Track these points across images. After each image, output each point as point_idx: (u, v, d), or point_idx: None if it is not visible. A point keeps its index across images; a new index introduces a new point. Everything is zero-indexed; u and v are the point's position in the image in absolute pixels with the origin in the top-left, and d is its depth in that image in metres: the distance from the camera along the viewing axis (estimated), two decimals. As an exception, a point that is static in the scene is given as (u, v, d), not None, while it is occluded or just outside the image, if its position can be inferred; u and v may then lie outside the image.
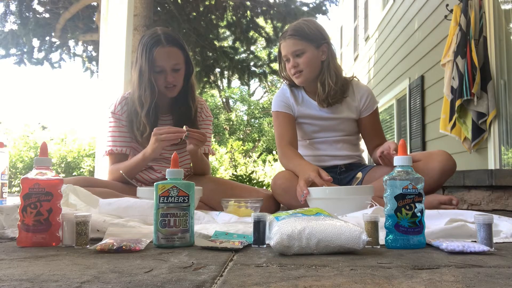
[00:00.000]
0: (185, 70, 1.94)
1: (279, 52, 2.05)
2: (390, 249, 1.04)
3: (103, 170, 3.58)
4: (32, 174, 1.11)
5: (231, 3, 6.87)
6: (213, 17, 7.09)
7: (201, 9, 6.98)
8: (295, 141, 2.01)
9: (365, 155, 2.28)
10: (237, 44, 7.37)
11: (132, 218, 1.35)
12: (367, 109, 2.04)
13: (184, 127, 1.74)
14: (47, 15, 6.99)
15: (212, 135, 2.24)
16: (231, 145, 18.88)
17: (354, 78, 2.10)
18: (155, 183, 1.09)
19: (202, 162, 1.99)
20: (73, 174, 13.08)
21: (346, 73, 2.13)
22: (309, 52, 1.95)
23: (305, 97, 2.07)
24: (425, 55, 5.31)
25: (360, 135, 2.13)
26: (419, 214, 1.05)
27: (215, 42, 7.27)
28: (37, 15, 6.86)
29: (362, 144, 2.16)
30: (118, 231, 1.16)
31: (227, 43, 7.96)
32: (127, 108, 1.94)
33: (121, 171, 1.84)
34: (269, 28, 7.35)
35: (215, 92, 18.80)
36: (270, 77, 8.62)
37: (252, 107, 21.31)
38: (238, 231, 1.19)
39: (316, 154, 2.06)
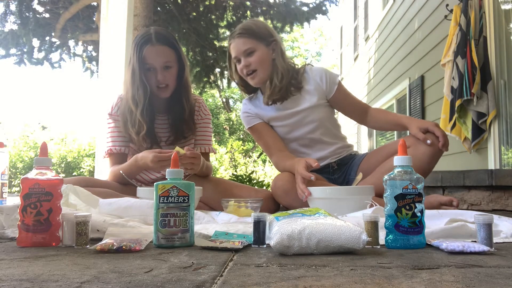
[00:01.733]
0: (178, 70, 1.91)
1: (229, 55, 2.00)
2: (390, 249, 1.04)
3: (103, 170, 3.58)
4: (32, 174, 1.11)
5: (231, 3, 6.87)
6: (213, 17, 7.09)
7: (201, 9, 6.99)
8: (282, 144, 1.99)
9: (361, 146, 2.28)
10: (237, 44, 7.37)
11: (132, 218, 1.35)
12: (331, 85, 2.00)
13: (185, 148, 1.70)
14: (47, 15, 6.99)
15: (212, 134, 2.23)
16: (231, 145, 18.88)
17: (308, 65, 2.06)
18: (155, 183, 1.09)
19: (207, 168, 2.00)
20: (73, 174, 13.09)
21: (298, 64, 2.08)
22: (260, 50, 1.92)
23: (263, 102, 2.02)
24: (425, 55, 5.31)
25: (339, 122, 2.12)
26: (419, 214, 1.05)
27: (215, 42, 7.27)
28: (37, 15, 6.87)
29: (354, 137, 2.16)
30: (118, 231, 1.16)
31: (227, 43, 7.96)
32: (121, 107, 1.94)
33: (121, 171, 1.84)
34: (269, 28, 7.33)
35: (215, 92, 18.78)
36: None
37: (252, 107, 21.24)
38: (238, 231, 1.19)
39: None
